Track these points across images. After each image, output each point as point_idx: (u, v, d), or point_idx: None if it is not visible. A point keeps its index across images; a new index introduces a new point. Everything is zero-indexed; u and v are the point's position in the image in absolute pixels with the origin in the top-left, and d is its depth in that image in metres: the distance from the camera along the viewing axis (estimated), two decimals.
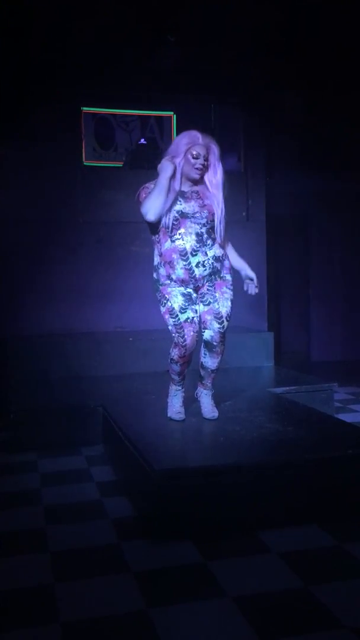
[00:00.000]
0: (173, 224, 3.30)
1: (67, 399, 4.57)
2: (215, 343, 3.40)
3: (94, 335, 5.89)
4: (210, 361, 3.46)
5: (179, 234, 3.30)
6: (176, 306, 3.33)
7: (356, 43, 5.76)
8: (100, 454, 4.04)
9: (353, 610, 2.15)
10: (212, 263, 3.36)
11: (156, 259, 3.44)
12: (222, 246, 3.43)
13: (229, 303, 3.41)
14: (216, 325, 3.37)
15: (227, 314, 3.39)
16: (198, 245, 3.31)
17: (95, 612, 2.18)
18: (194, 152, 3.27)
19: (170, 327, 3.36)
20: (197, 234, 3.31)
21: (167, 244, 3.33)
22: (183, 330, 3.31)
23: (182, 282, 3.35)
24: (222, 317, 3.38)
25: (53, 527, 2.92)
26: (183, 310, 3.33)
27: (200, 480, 2.75)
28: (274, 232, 7.12)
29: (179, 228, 3.30)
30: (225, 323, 3.39)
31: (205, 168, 3.32)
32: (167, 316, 3.36)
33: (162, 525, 2.72)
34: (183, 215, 3.30)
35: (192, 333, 3.32)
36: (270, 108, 6.68)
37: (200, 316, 3.40)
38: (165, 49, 5.87)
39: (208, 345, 3.42)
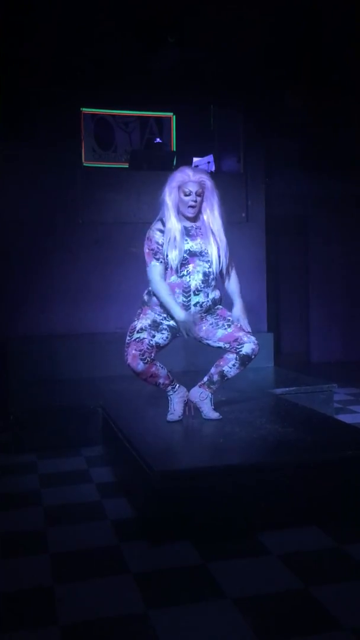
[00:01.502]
0: (183, 262, 3.33)
1: (66, 400, 4.57)
2: (253, 356, 3.41)
3: (94, 336, 5.89)
4: (234, 371, 3.45)
5: (187, 271, 3.34)
6: (139, 325, 3.40)
7: (356, 44, 5.76)
8: (100, 455, 4.04)
9: (353, 612, 2.14)
10: (209, 304, 3.43)
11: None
12: (223, 281, 3.51)
13: (245, 317, 3.47)
14: (252, 338, 3.41)
15: (247, 324, 3.46)
16: (203, 286, 3.37)
17: (94, 613, 2.18)
18: (185, 190, 3.29)
19: (127, 340, 3.41)
20: (205, 274, 3.36)
21: (173, 278, 3.36)
22: (127, 349, 3.35)
23: (154, 323, 3.42)
24: (248, 332, 3.43)
25: (53, 528, 2.92)
26: (141, 330, 3.38)
27: (200, 481, 2.74)
28: (273, 233, 7.13)
29: (187, 265, 3.34)
30: (250, 330, 3.45)
31: (198, 204, 3.33)
32: (129, 332, 3.43)
33: (161, 527, 2.72)
34: (192, 253, 3.34)
35: (133, 352, 3.31)
36: (269, 109, 6.68)
37: (226, 337, 3.41)
38: (164, 50, 5.88)
39: (245, 358, 3.41)
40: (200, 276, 3.35)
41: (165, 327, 3.43)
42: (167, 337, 3.45)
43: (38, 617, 2.17)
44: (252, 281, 6.47)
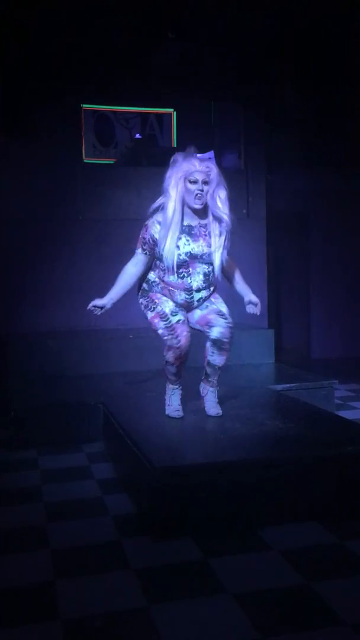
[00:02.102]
0: (181, 264, 3.24)
1: (67, 396, 4.57)
2: (225, 339, 3.32)
3: (95, 332, 5.89)
4: (218, 359, 3.39)
5: (187, 272, 3.28)
6: (167, 310, 3.31)
7: (357, 39, 5.75)
8: (101, 451, 4.04)
9: (353, 607, 2.15)
10: (210, 294, 3.39)
11: (153, 276, 3.38)
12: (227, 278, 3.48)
13: (225, 305, 3.41)
14: (222, 321, 3.32)
15: (228, 312, 3.38)
16: (205, 285, 3.32)
17: (96, 609, 2.18)
18: (192, 178, 3.14)
19: (161, 331, 3.30)
20: (205, 274, 3.30)
21: (173, 279, 3.29)
22: (176, 331, 3.27)
23: (177, 305, 3.36)
24: (224, 313, 3.35)
25: (54, 524, 2.92)
26: (174, 313, 3.31)
27: (201, 477, 2.75)
28: (274, 230, 7.12)
29: (187, 268, 3.27)
30: (229, 319, 3.36)
31: (205, 194, 3.17)
32: (156, 320, 3.32)
33: (163, 522, 2.72)
34: (192, 256, 3.25)
35: (185, 333, 3.29)
36: (270, 105, 6.67)
37: (201, 319, 3.36)
38: (165, 46, 5.87)
39: (217, 343, 3.34)
40: (201, 277, 3.30)
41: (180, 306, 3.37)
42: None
43: (39, 612, 2.18)
44: (252, 277, 6.41)
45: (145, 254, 3.30)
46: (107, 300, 3.34)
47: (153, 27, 5.75)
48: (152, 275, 3.40)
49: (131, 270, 3.36)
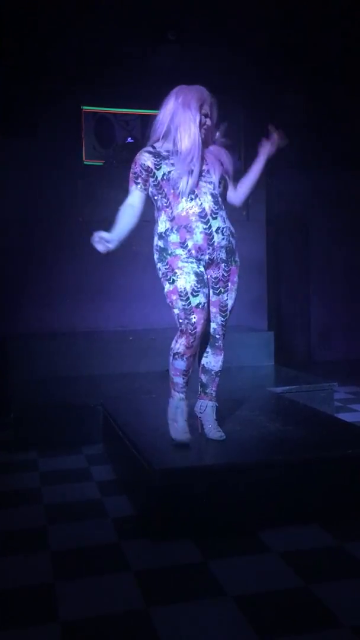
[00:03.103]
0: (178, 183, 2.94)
1: (67, 398, 4.57)
2: (218, 336, 3.12)
3: (94, 334, 5.90)
4: (213, 360, 3.15)
5: (195, 194, 2.94)
6: (188, 287, 2.92)
7: (357, 40, 5.76)
8: (101, 453, 4.04)
9: (354, 610, 2.14)
10: (229, 235, 3.04)
11: (163, 226, 3.01)
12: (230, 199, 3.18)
13: (235, 295, 3.15)
14: (220, 319, 3.10)
15: (232, 307, 3.15)
16: (216, 208, 2.97)
17: (95, 611, 2.18)
18: (204, 111, 2.94)
19: (177, 312, 2.94)
20: (212, 195, 2.98)
21: (182, 205, 2.94)
22: (194, 317, 2.92)
23: (199, 251, 2.96)
24: (227, 310, 3.12)
25: (53, 526, 2.92)
26: (195, 293, 2.92)
27: (200, 479, 2.74)
28: (274, 231, 7.13)
29: (193, 190, 2.95)
30: (228, 315, 3.14)
31: (209, 129, 3.01)
32: (174, 297, 2.94)
33: (162, 525, 2.72)
34: (179, 175, 2.96)
35: (202, 321, 2.95)
36: (270, 106, 6.67)
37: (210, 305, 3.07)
38: (165, 47, 5.87)
39: (210, 339, 3.12)
40: (210, 197, 2.96)
41: (202, 273, 2.99)
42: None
43: (39, 614, 2.17)
44: (252, 279, 6.46)
45: (141, 188, 3.02)
46: (114, 236, 3.00)
47: (153, 28, 5.76)
48: (162, 226, 3.03)
49: (130, 209, 3.06)
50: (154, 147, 3.03)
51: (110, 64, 6.00)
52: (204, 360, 3.18)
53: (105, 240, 2.99)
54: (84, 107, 6.39)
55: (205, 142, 3.02)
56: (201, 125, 2.95)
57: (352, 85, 6.48)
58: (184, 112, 2.93)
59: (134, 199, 3.07)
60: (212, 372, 3.18)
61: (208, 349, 3.16)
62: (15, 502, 3.25)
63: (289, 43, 5.83)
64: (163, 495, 2.71)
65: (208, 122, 2.98)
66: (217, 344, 3.15)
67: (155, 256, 3.06)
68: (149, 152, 3.01)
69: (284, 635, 2.01)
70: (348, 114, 6.87)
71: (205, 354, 3.18)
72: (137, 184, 3.03)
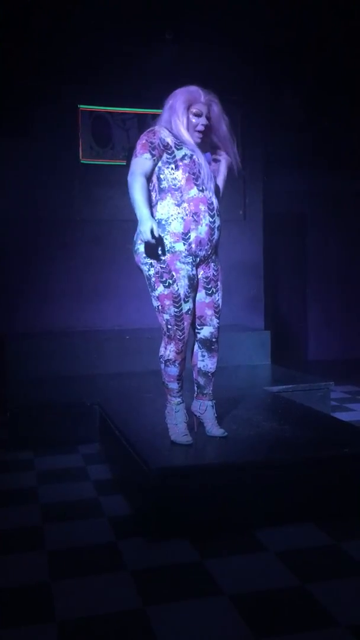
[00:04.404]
0: (200, 171, 2.86)
1: (64, 397, 4.56)
2: (214, 339, 3.09)
3: (91, 333, 5.89)
4: (209, 362, 3.12)
5: (204, 186, 2.88)
6: (181, 292, 2.89)
7: (355, 42, 5.76)
8: (97, 452, 4.04)
9: (349, 609, 2.15)
10: (220, 234, 3.01)
11: (166, 211, 2.87)
12: None
13: (222, 294, 3.12)
14: (215, 321, 3.07)
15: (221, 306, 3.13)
16: (219, 206, 2.97)
17: (91, 610, 2.18)
18: (195, 110, 2.88)
19: (167, 317, 2.91)
20: (216, 193, 2.97)
21: (194, 192, 2.86)
22: (183, 323, 2.92)
23: (199, 245, 2.90)
24: (219, 310, 3.09)
25: (50, 525, 2.92)
26: (187, 299, 2.91)
27: (197, 478, 2.75)
28: (271, 231, 7.13)
29: (203, 176, 2.89)
30: (219, 317, 3.12)
31: (207, 130, 2.95)
32: (167, 302, 2.89)
33: (158, 524, 2.72)
34: (200, 164, 2.91)
35: (189, 325, 2.98)
36: (268, 106, 6.68)
37: (198, 308, 3.04)
38: (162, 47, 5.87)
39: (206, 343, 3.08)
40: (215, 194, 2.95)
41: (194, 276, 2.95)
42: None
43: (35, 613, 2.17)
44: (249, 279, 6.47)
45: (155, 160, 2.85)
46: (153, 222, 2.77)
47: (151, 27, 5.76)
48: (164, 211, 2.89)
49: (144, 180, 2.85)
50: (170, 129, 2.91)
51: (107, 62, 5.99)
52: (200, 364, 3.15)
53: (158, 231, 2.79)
54: (81, 106, 6.38)
55: (206, 140, 2.99)
56: (193, 126, 2.90)
57: (348, 87, 6.48)
58: (173, 117, 2.89)
59: (146, 168, 2.86)
60: (209, 374, 3.17)
61: (205, 353, 3.13)
62: (11, 502, 3.25)
63: (286, 45, 5.84)
64: (159, 495, 2.71)
65: (202, 120, 2.91)
66: (213, 347, 3.13)
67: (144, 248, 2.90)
68: (169, 131, 2.89)
69: (281, 634, 2.02)
70: (345, 115, 6.88)
71: (201, 358, 3.14)
72: (152, 153, 2.86)
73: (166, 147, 2.87)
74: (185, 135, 2.89)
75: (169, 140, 2.87)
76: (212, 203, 2.92)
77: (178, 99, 2.90)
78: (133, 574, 2.43)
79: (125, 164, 6.49)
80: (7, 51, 5.70)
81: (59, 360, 5.28)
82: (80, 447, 4.13)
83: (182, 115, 2.89)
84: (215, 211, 2.93)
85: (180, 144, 2.90)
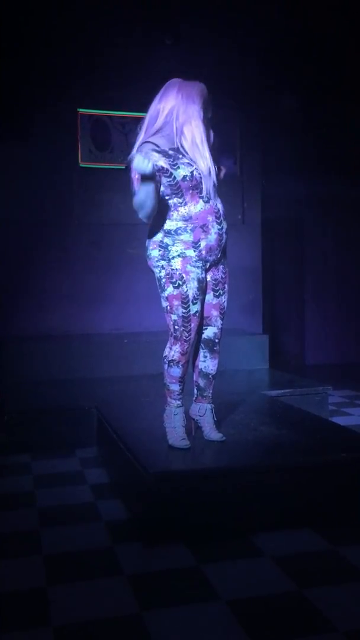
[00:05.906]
0: (197, 185, 2.85)
1: (61, 400, 4.56)
2: (217, 340, 3.11)
3: (89, 337, 5.89)
4: (211, 364, 3.14)
5: (211, 194, 2.89)
6: (190, 294, 2.89)
7: (353, 47, 5.78)
8: (94, 456, 4.03)
9: (347, 614, 2.14)
10: (227, 236, 3.02)
11: (174, 224, 2.89)
12: None
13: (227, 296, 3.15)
14: (220, 322, 3.10)
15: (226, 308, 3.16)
16: (224, 209, 2.98)
17: (88, 615, 2.17)
18: (205, 108, 2.89)
19: (175, 318, 2.91)
20: (219, 195, 2.98)
21: (200, 206, 2.87)
22: (190, 324, 2.92)
23: (209, 252, 2.92)
24: (224, 312, 3.12)
25: (46, 529, 2.91)
26: (195, 300, 2.91)
27: (194, 483, 2.74)
28: (269, 236, 7.14)
29: (207, 187, 2.89)
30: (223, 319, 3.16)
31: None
32: (176, 302, 2.89)
33: (155, 528, 2.71)
34: (201, 175, 2.88)
35: (196, 327, 2.98)
36: (266, 112, 6.70)
37: (206, 309, 3.06)
38: (162, 52, 5.89)
39: (209, 344, 3.10)
40: (219, 198, 2.94)
41: (203, 279, 2.96)
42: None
43: (31, 618, 2.16)
44: (247, 283, 6.47)
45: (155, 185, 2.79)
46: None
47: (150, 32, 5.77)
48: (171, 224, 2.91)
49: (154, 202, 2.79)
50: (157, 146, 2.85)
51: (107, 67, 6.01)
52: (201, 365, 3.16)
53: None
54: (80, 110, 6.39)
55: (208, 140, 2.98)
56: (204, 122, 2.88)
57: (347, 90, 6.50)
58: (189, 107, 2.84)
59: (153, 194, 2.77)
60: (210, 376, 3.16)
61: (207, 354, 3.14)
62: (8, 505, 3.24)
63: (285, 48, 5.86)
64: (157, 499, 2.70)
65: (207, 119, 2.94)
66: (215, 348, 3.14)
67: (157, 253, 2.92)
68: (157, 151, 2.82)
69: None
70: (344, 119, 6.90)
71: (203, 359, 3.15)
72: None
73: (161, 170, 2.82)
74: (201, 129, 2.85)
75: (162, 162, 2.82)
76: (218, 210, 2.94)
77: (196, 92, 2.87)
78: (130, 578, 2.42)
79: (124, 167, 6.51)
80: (6, 55, 5.71)
81: (56, 364, 5.27)
82: (77, 451, 4.12)
83: (199, 108, 2.85)
84: (222, 217, 2.96)
85: (175, 163, 2.85)
